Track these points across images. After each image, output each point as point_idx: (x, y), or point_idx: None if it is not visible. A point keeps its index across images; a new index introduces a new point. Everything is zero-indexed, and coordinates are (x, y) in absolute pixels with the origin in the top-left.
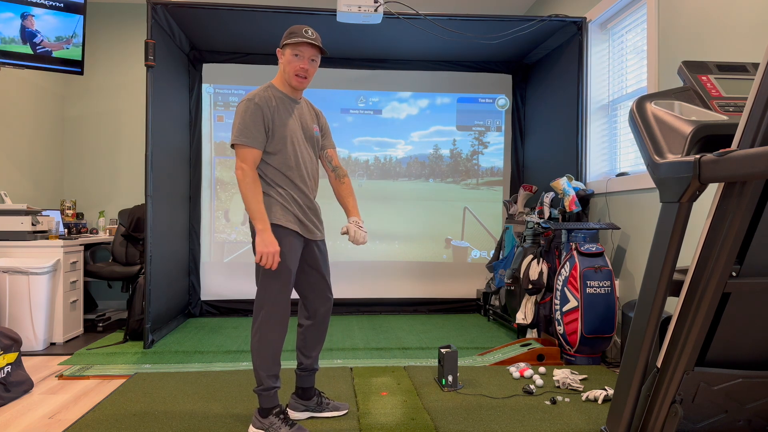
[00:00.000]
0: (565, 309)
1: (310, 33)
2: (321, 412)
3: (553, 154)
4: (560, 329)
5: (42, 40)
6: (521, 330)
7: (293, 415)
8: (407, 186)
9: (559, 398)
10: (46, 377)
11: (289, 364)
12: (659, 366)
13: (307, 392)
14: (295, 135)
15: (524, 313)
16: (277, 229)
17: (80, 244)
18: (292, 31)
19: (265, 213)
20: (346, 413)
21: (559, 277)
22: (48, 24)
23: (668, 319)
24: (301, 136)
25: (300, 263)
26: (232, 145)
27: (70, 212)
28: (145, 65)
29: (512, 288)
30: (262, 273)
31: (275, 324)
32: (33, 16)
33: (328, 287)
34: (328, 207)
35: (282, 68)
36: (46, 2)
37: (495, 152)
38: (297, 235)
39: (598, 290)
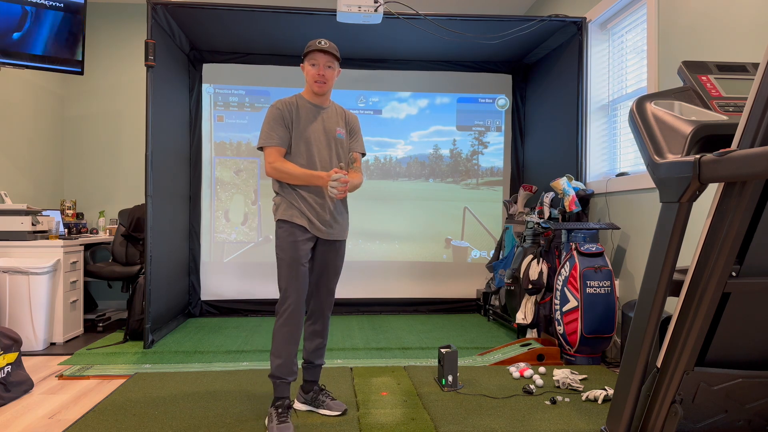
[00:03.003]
0: (565, 309)
1: (323, 43)
2: (317, 408)
3: (553, 154)
4: (560, 329)
5: (53, 49)
6: (521, 330)
7: (297, 405)
8: (407, 186)
9: (559, 398)
10: (46, 377)
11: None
12: (659, 366)
13: (306, 385)
14: (314, 136)
15: (524, 313)
16: (283, 224)
17: (80, 244)
18: (307, 44)
19: (308, 172)
20: (341, 414)
21: (559, 277)
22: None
23: (668, 319)
24: (323, 138)
25: (313, 260)
26: (260, 148)
27: (70, 212)
28: (145, 65)
29: (512, 288)
30: (277, 267)
31: (285, 315)
32: (46, 21)
33: (330, 289)
34: None
35: (306, 80)
36: (47, 2)
37: (495, 152)
38: (304, 229)
39: (598, 290)
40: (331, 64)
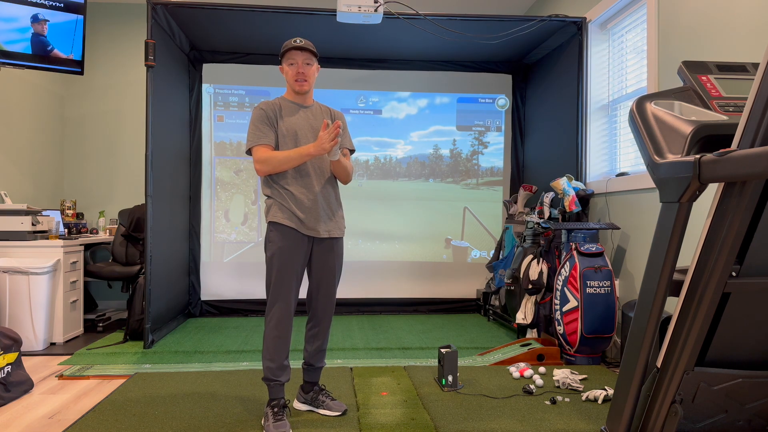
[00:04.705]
0: (565, 309)
1: (299, 41)
2: (317, 408)
3: (553, 154)
4: (560, 329)
5: (53, 49)
6: (521, 330)
7: (297, 405)
8: (407, 186)
9: (559, 398)
10: (46, 377)
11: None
12: (659, 366)
13: (306, 386)
14: (301, 132)
15: (524, 313)
16: (273, 227)
17: (80, 244)
18: (283, 45)
19: (295, 150)
20: (341, 414)
21: (559, 277)
22: (50, 25)
23: (668, 319)
24: (311, 135)
25: (309, 261)
26: (248, 152)
27: (70, 212)
28: (145, 65)
29: (512, 288)
30: (266, 271)
31: (272, 322)
32: (46, 21)
33: (329, 293)
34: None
35: (286, 81)
36: (47, 2)
37: (495, 152)
38: (295, 232)
39: (598, 290)
40: (310, 61)
